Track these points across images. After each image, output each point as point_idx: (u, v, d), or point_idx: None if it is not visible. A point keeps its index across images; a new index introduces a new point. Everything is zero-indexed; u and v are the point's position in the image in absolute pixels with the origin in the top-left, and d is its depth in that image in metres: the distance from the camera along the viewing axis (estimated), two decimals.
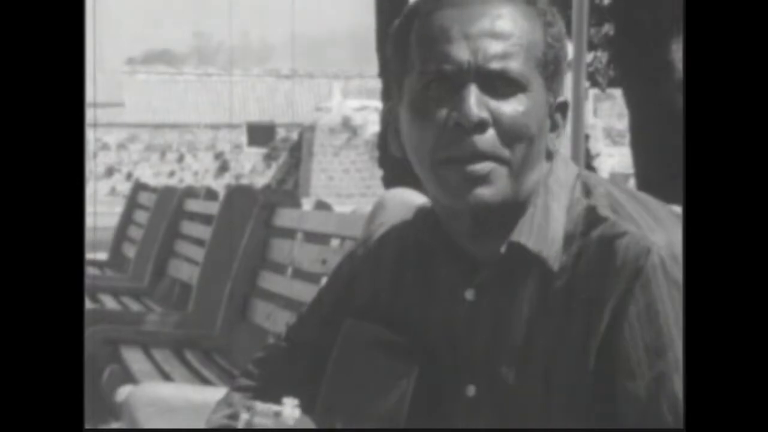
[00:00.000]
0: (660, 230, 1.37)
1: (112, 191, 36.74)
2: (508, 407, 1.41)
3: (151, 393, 3.02)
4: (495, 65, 1.37)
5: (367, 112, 37.57)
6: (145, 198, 8.22)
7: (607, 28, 15.90)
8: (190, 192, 7.11)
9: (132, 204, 8.51)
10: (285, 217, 4.84)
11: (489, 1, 1.40)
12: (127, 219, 8.44)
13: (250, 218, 4.97)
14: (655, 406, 1.32)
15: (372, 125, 34.79)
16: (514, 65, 1.38)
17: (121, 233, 8.43)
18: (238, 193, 5.65)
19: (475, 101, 1.36)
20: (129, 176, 36.29)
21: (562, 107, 1.45)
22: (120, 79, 38.92)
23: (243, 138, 40.99)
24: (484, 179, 1.37)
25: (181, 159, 40.25)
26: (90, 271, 7.48)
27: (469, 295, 1.44)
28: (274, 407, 1.31)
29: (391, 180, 13.91)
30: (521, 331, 1.40)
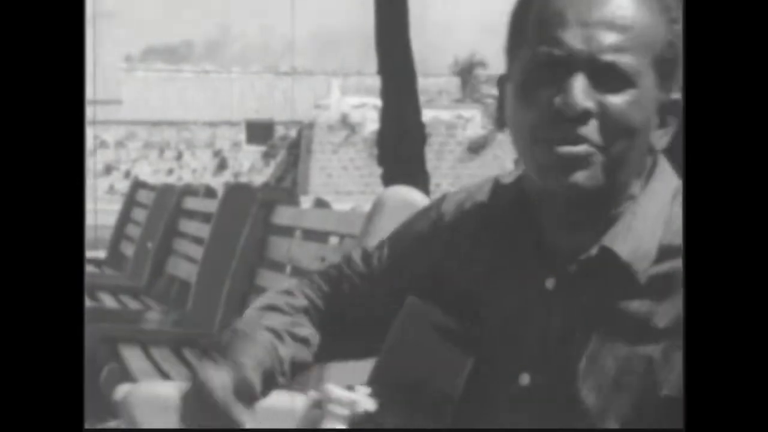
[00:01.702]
0: None
1: (111, 189, 36.75)
2: (556, 403, 1.39)
3: (149, 392, 3.01)
4: (607, 57, 1.35)
5: (365, 109, 37.56)
6: (143, 196, 8.22)
7: None
8: (189, 190, 7.11)
9: (130, 202, 8.50)
10: (284, 215, 4.84)
11: None
12: (125, 217, 8.44)
13: (249, 216, 4.96)
14: None
15: (371, 122, 34.77)
16: (627, 59, 1.35)
17: (120, 231, 8.43)
18: (237, 191, 5.64)
19: (581, 90, 1.34)
20: (127, 174, 36.29)
21: (675, 106, 1.41)
22: (118, 76, 38.90)
23: (242, 135, 40.98)
24: (581, 163, 1.35)
25: (179, 156, 40.24)
26: (89, 269, 7.48)
27: (549, 284, 1.41)
28: (351, 395, 1.28)
29: (390, 177, 13.90)
30: (594, 332, 1.37)
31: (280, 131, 41.00)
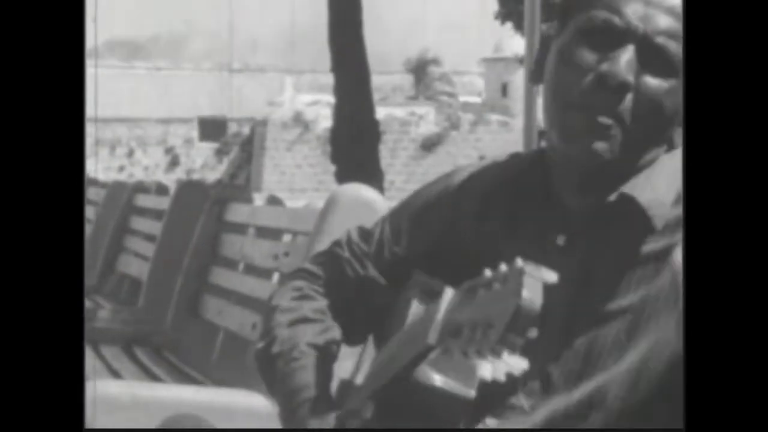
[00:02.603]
0: None
1: None
2: (566, 357, 1.39)
3: (99, 390, 2.99)
4: (660, 39, 1.36)
5: (319, 106, 37.51)
6: (93, 193, 8.15)
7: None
8: (140, 187, 7.06)
9: None
10: (236, 213, 4.82)
11: None
12: None
13: (201, 213, 4.94)
14: None
15: (324, 120, 34.72)
16: (677, 47, 1.37)
17: None
18: (189, 188, 5.61)
19: (626, 63, 1.36)
20: None
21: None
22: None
23: (194, 133, 40.79)
24: (606, 134, 1.37)
25: (131, 154, 39.98)
26: None
27: (560, 240, 1.43)
28: (543, 271, 1.18)
29: (343, 175, 13.89)
30: (608, 285, 1.38)
31: (233, 128, 40.87)
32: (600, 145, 1.37)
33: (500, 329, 1.12)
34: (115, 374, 4.14)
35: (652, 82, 1.37)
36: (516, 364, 1.16)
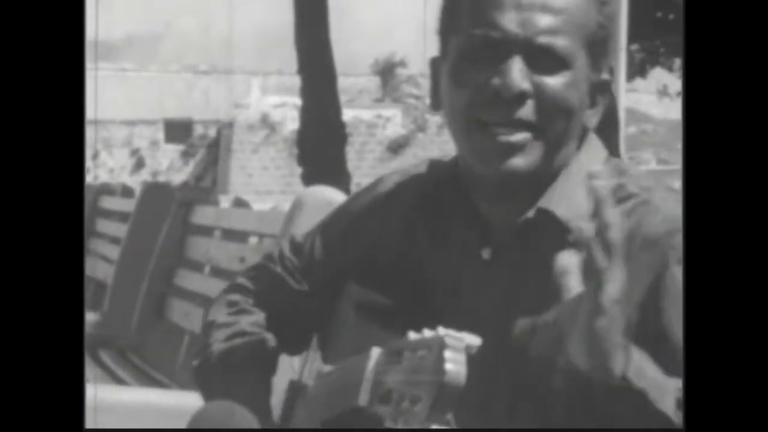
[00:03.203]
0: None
1: None
2: (507, 372, 1.40)
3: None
4: (542, 39, 1.37)
5: (286, 108, 37.44)
6: None
7: None
8: (106, 189, 7.02)
9: None
10: (202, 215, 4.81)
11: None
12: None
13: (167, 216, 4.92)
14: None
15: (291, 122, 34.66)
16: (562, 41, 1.38)
17: None
18: (155, 191, 5.59)
19: (518, 73, 1.37)
20: None
21: (603, 86, 1.46)
22: None
23: (160, 134, 40.59)
24: (519, 149, 1.38)
25: (96, 156, 39.73)
26: None
27: (486, 254, 1.44)
28: (466, 338, 1.19)
29: (310, 177, 13.87)
30: (534, 297, 1.39)
31: (198, 130, 40.70)
32: (515, 161, 1.38)
33: (427, 405, 1.15)
34: None
35: (549, 81, 1.38)
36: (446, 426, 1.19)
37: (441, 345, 1.16)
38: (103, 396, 2.93)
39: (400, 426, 1.18)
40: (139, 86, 39.65)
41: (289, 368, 1.67)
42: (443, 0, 1.47)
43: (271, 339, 1.57)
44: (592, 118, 1.45)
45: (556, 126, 1.39)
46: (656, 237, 1.36)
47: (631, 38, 13.65)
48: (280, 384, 1.65)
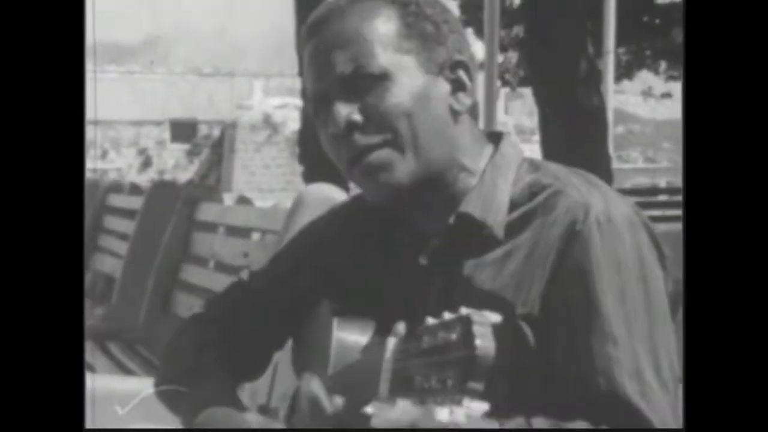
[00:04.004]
0: (599, 195, 1.41)
1: None
2: None
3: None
4: (346, 69, 1.41)
5: (287, 109, 37.40)
6: None
7: (517, 30, 16.06)
8: (114, 187, 7.01)
9: None
10: (207, 212, 4.80)
11: (335, 16, 1.44)
12: None
13: (173, 213, 4.91)
14: (584, 370, 1.34)
15: (292, 122, 34.64)
16: (366, 61, 1.41)
17: None
18: (161, 189, 5.59)
19: (341, 108, 1.42)
20: None
21: (460, 65, 1.47)
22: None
23: (166, 134, 40.56)
24: (379, 168, 1.42)
25: (104, 155, 39.71)
26: None
27: (423, 260, 1.48)
28: (488, 315, 1.18)
29: (310, 176, 13.85)
30: (468, 294, 1.43)
31: (203, 131, 40.66)
32: (384, 178, 1.42)
33: (459, 379, 1.14)
34: (89, 368, 4.11)
35: (372, 100, 1.41)
36: (477, 407, 1.16)
37: (468, 322, 1.16)
38: (113, 386, 2.93)
39: (430, 403, 1.16)
40: (145, 88, 39.60)
41: (255, 393, 1.67)
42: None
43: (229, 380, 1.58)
44: (463, 100, 1.46)
45: (402, 132, 1.41)
46: (563, 220, 1.39)
47: (619, 41, 13.64)
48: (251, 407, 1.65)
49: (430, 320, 1.22)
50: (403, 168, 1.42)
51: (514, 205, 1.45)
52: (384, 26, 1.43)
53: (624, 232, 1.38)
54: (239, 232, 4.31)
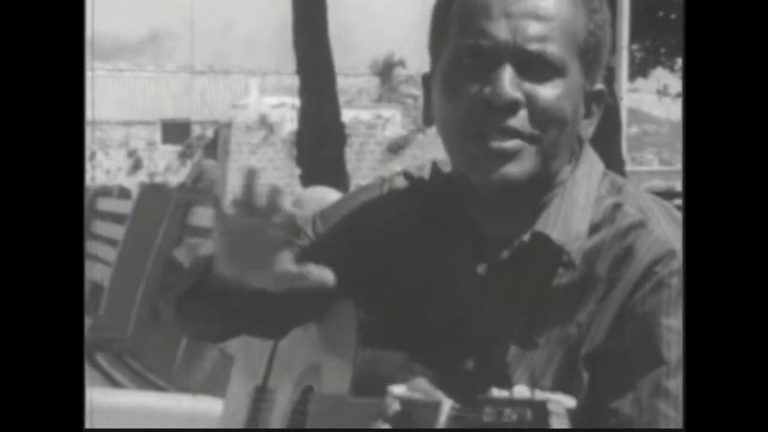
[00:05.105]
0: (681, 236, 1.37)
1: None
2: (503, 386, 1.41)
3: None
4: (533, 47, 1.36)
5: (284, 109, 37.44)
6: None
7: None
8: (103, 191, 7.02)
9: None
10: (200, 216, 4.80)
11: None
12: None
13: (165, 217, 4.92)
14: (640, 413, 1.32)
15: (289, 123, 34.68)
16: (553, 49, 1.37)
17: None
18: (152, 192, 5.59)
19: (509, 81, 1.36)
20: None
21: (599, 95, 1.45)
22: None
23: (157, 135, 40.61)
24: (512, 156, 1.37)
25: (92, 157, 39.74)
26: None
27: (481, 269, 1.43)
28: (564, 401, 1.13)
29: (308, 178, 13.86)
30: (528, 314, 1.40)
31: (196, 131, 40.72)
32: (508, 168, 1.37)
33: None
34: None
35: (541, 90, 1.37)
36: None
37: (543, 411, 1.11)
38: (100, 399, 2.93)
39: None
40: (135, 86, 39.62)
41: (250, 375, 1.66)
42: (433, 15, 1.46)
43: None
44: (588, 128, 1.44)
45: (549, 135, 1.38)
46: (641, 260, 1.37)
47: (633, 38, 13.66)
48: (245, 390, 1.64)
49: (496, 392, 1.17)
50: (529, 167, 1.38)
51: (592, 230, 1.40)
52: (577, 21, 1.39)
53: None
54: None
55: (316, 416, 1.49)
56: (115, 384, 4.12)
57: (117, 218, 6.14)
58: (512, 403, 1.14)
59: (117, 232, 5.83)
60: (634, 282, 1.36)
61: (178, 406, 2.99)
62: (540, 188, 1.42)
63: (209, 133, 40.20)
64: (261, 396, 1.57)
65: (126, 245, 5.36)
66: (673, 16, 16.79)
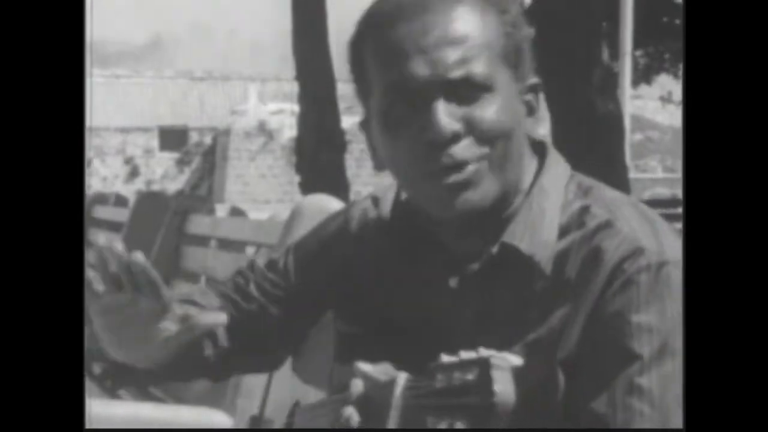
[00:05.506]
0: (651, 234, 1.39)
1: None
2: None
3: None
4: (457, 73, 1.36)
5: (284, 115, 37.47)
6: None
7: (528, 33, 16.08)
8: (99, 198, 7.02)
9: None
10: (198, 224, 4.81)
11: (438, 7, 1.38)
12: None
13: (162, 225, 4.92)
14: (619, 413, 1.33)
15: (289, 129, 34.71)
16: (476, 68, 1.37)
17: None
18: (149, 200, 5.59)
19: (443, 115, 1.36)
20: None
21: (534, 88, 1.45)
22: None
23: (154, 142, 40.62)
24: (468, 184, 1.38)
25: (88, 164, 39.75)
26: None
27: (453, 282, 1.44)
28: (510, 358, 1.16)
29: (308, 186, 13.87)
30: (502, 323, 1.41)
31: (194, 138, 40.73)
32: (469, 196, 1.38)
33: (473, 425, 1.12)
34: None
35: (477, 112, 1.38)
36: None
37: (487, 365, 1.14)
38: (97, 410, 2.93)
39: None
40: (132, 92, 39.65)
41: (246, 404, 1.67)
42: (349, 62, 1.46)
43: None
44: (534, 125, 1.45)
45: (497, 149, 1.38)
46: (609, 260, 1.37)
47: (636, 43, 13.68)
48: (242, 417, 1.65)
49: (446, 357, 1.19)
50: (487, 188, 1.38)
51: (561, 235, 1.41)
52: (489, 32, 1.40)
53: (673, 281, 1.35)
54: (232, 245, 4.31)
55: (299, 424, 1.51)
56: (113, 395, 4.12)
57: (113, 226, 6.14)
58: (461, 365, 1.16)
59: (113, 240, 5.82)
60: (603, 282, 1.36)
61: (176, 417, 2.99)
62: (502, 203, 1.42)
63: (207, 139, 40.22)
64: (258, 426, 1.58)
65: None
66: (677, 21, 16.80)
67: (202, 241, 4.70)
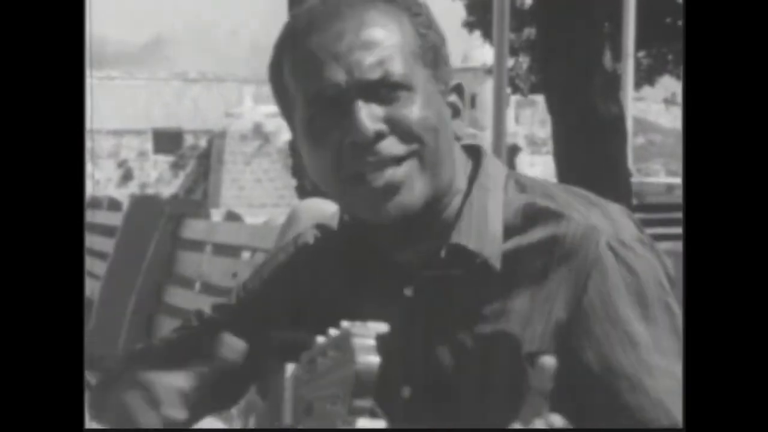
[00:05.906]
0: (602, 216, 1.42)
1: None
2: (443, 409, 1.43)
3: None
4: (374, 75, 1.40)
5: (280, 118, 37.56)
6: None
7: (528, 33, 16.12)
8: (92, 202, 7.02)
9: None
10: (193, 229, 4.81)
11: (348, 14, 1.42)
12: None
13: (156, 230, 4.92)
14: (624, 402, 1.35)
15: (285, 132, 34.79)
16: (393, 68, 1.40)
17: None
18: (143, 204, 5.59)
19: (365, 116, 1.39)
20: None
21: (457, 90, 1.49)
22: None
23: (148, 145, 40.66)
24: (399, 186, 1.40)
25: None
26: None
27: (408, 291, 1.47)
28: (371, 325, 1.20)
29: (305, 189, 13.90)
30: (460, 327, 1.43)
31: (189, 141, 40.78)
32: (401, 198, 1.41)
33: (347, 399, 1.15)
34: None
35: (399, 110, 1.41)
36: (370, 424, 1.18)
37: (347, 336, 1.17)
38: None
39: (329, 429, 1.18)
40: (126, 95, 39.70)
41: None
42: (271, 82, 1.51)
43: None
44: (462, 127, 1.48)
45: (427, 146, 1.41)
46: (572, 249, 1.40)
47: (639, 45, 13.69)
48: None
49: (320, 339, 1.23)
50: (420, 188, 1.41)
51: (508, 231, 1.44)
52: (403, 33, 1.43)
53: (637, 252, 1.40)
54: (228, 250, 4.31)
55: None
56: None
57: (107, 231, 6.14)
58: (332, 343, 1.20)
59: (106, 244, 5.82)
60: (573, 276, 1.39)
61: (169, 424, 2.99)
62: (438, 205, 1.45)
63: (202, 142, 40.27)
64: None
65: (116, 258, 5.35)
66: (680, 22, 16.82)
67: (197, 245, 4.70)
